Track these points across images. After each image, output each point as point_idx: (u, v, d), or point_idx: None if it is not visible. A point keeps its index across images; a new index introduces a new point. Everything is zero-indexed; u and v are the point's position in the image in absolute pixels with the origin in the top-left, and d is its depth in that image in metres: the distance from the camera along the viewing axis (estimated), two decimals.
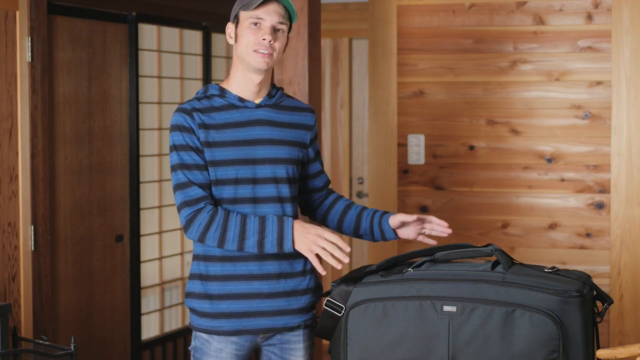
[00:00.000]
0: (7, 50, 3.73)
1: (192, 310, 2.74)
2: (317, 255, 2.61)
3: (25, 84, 3.80)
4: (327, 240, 2.59)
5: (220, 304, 2.68)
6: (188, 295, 2.75)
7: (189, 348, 2.79)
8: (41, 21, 3.86)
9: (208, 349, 2.71)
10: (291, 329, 2.74)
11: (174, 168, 2.66)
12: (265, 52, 2.66)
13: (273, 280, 2.69)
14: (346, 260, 2.56)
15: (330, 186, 2.95)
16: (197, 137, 2.65)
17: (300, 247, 2.61)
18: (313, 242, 2.60)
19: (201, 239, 2.63)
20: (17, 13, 3.77)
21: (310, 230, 2.61)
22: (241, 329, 2.69)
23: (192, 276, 2.74)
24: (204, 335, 2.72)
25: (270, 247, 2.62)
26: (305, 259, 2.76)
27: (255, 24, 2.66)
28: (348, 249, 2.57)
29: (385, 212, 2.83)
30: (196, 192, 2.64)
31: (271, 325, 2.71)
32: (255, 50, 2.66)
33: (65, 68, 4.28)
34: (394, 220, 2.78)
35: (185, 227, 2.64)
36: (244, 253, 2.66)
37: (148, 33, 4.91)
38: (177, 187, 2.65)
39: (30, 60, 3.81)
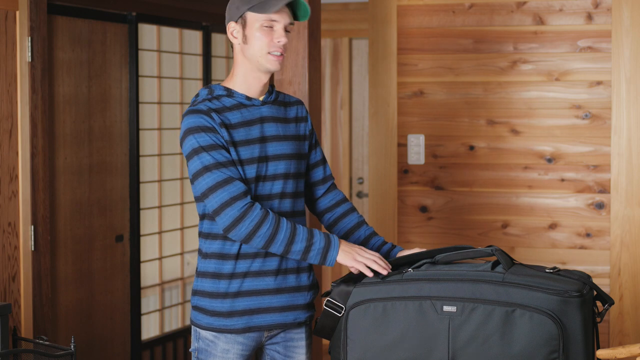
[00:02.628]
0: (7, 50, 3.73)
1: (201, 309, 2.72)
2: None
3: (25, 84, 3.80)
4: (368, 254, 2.64)
5: (234, 301, 2.68)
6: (197, 293, 2.73)
7: (190, 350, 2.78)
8: (41, 21, 3.86)
9: (214, 350, 2.70)
10: (299, 324, 2.75)
11: (208, 168, 2.60)
12: (279, 54, 2.68)
13: (285, 276, 2.71)
14: (385, 272, 2.60)
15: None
16: (222, 136, 2.65)
17: (344, 258, 2.63)
18: (357, 253, 2.63)
19: (249, 237, 2.59)
20: (17, 13, 3.77)
21: (353, 246, 2.66)
22: (252, 325, 2.69)
23: (204, 274, 2.72)
24: (209, 336, 2.71)
25: (314, 255, 2.63)
26: None
27: (269, 26, 2.67)
28: (387, 270, 2.62)
29: (393, 246, 2.85)
30: (241, 186, 2.60)
31: (281, 320, 2.71)
32: (269, 53, 2.67)
33: (65, 68, 4.28)
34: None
35: (234, 224, 2.59)
36: (258, 250, 2.66)
37: (148, 33, 4.91)
38: (218, 185, 2.59)
39: (30, 60, 3.81)
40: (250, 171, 2.67)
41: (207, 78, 5.30)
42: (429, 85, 4.26)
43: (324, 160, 2.91)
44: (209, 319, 2.70)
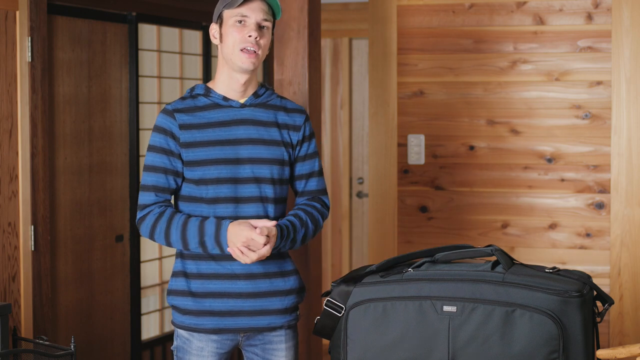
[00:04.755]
0: (7, 50, 3.73)
1: (175, 308, 2.76)
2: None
3: (25, 84, 3.80)
4: (237, 240, 2.60)
5: (203, 301, 2.70)
6: (170, 292, 2.77)
7: (172, 348, 2.81)
8: (41, 21, 3.85)
9: (189, 347, 2.73)
10: (273, 329, 2.75)
11: (144, 168, 2.74)
12: (251, 49, 2.67)
13: (257, 280, 2.71)
14: (247, 260, 2.58)
15: (329, 186, 2.92)
16: (176, 139, 2.68)
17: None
18: (230, 240, 2.61)
19: (150, 237, 2.71)
20: (17, 13, 3.77)
21: (233, 228, 2.62)
22: (223, 327, 2.70)
23: (175, 274, 2.76)
24: (185, 334, 2.74)
25: (211, 248, 2.66)
26: (290, 260, 2.79)
27: (240, 21, 2.67)
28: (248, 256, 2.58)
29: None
30: (151, 198, 2.71)
31: (254, 324, 2.72)
32: (241, 50, 2.67)
33: (65, 68, 4.28)
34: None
35: (138, 225, 2.73)
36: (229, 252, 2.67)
37: (148, 33, 4.91)
38: (140, 188, 2.74)
39: (30, 60, 3.81)
40: (210, 172, 2.67)
41: (207, 78, 5.30)
42: (429, 85, 4.26)
43: (309, 175, 2.85)
44: (181, 317, 2.74)
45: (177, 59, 5.17)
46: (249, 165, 2.69)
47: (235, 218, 2.68)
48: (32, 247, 3.84)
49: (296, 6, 3.60)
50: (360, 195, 6.45)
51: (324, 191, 2.88)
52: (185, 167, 2.70)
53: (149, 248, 4.95)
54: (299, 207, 2.82)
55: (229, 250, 2.62)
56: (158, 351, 4.96)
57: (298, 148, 2.81)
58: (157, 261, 5.03)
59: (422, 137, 4.27)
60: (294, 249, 2.78)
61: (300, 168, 2.83)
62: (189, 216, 2.68)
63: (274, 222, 2.63)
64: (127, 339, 4.71)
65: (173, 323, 2.78)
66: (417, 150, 4.27)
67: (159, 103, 5.00)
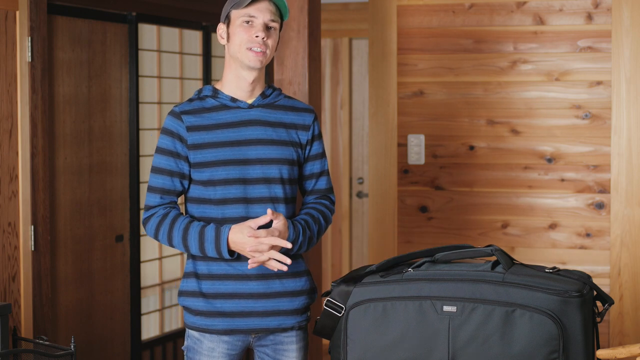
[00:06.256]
0: (7, 50, 3.73)
1: (186, 309, 2.76)
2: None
3: (25, 84, 3.80)
4: (263, 243, 2.60)
5: (215, 302, 2.70)
6: (182, 293, 2.77)
7: (182, 348, 2.82)
8: (41, 21, 3.86)
9: (200, 348, 2.73)
10: (284, 329, 2.75)
11: (151, 169, 2.76)
12: (259, 49, 2.67)
13: (268, 281, 2.70)
14: (284, 267, 2.61)
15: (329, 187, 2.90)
16: (184, 141, 2.69)
17: (240, 251, 2.65)
18: (251, 247, 2.61)
19: (155, 238, 2.73)
20: (17, 13, 3.77)
21: (242, 232, 2.62)
22: (235, 328, 2.70)
23: (187, 274, 2.76)
24: (196, 335, 2.73)
25: (211, 253, 2.67)
26: (302, 261, 2.78)
27: (248, 22, 2.68)
28: (287, 245, 2.61)
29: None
30: (156, 199, 2.73)
31: (265, 325, 2.71)
32: (248, 48, 2.67)
33: (65, 68, 4.28)
34: None
35: (144, 225, 2.76)
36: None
37: (148, 33, 4.91)
38: (148, 189, 2.76)
39: (30, 60, 3.81)
40: (218, 173, 2.67)
41: (207, 78, 5.30)
42: (429, 85, 4.26)
43: (320, 174, 2.86)
44: (193, 318, 2.74)
45: (177, 59, 5.17)
46: (258, 165, 2.69)
47: (246, 219, 2.68)
48: (32, 247, 3.84)
49: (296, 6, 3.60)
50: (360, 195, 6.45)
51: (331, 189, 2.90)
52: (193, 168, 2.70)
53: (149, 248, 4.95)
54: (309, 205, 2.83)
55: (251, 265, 2.62)
56: (158, 351, 4.96)
57: (308, 147, 2.81)
58: (157, 261, 5.03)
59: (422, 137, 4.27)
60: (309, 248, 2.78)
61: (312, 167, 2.84)
62: (192, 220, 2.68)
63: (278, 214, 2.64)
64: (127, 339, 4.71)
65: (185, 324, 2.78)
66: (417, 150, 4.27)
67: (159, 103, 5.00)
